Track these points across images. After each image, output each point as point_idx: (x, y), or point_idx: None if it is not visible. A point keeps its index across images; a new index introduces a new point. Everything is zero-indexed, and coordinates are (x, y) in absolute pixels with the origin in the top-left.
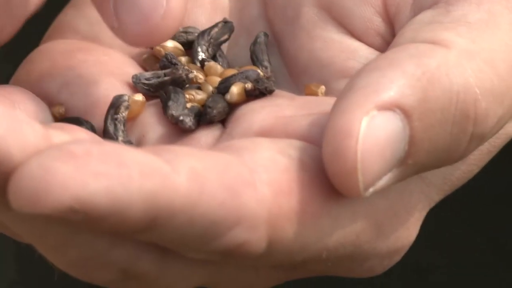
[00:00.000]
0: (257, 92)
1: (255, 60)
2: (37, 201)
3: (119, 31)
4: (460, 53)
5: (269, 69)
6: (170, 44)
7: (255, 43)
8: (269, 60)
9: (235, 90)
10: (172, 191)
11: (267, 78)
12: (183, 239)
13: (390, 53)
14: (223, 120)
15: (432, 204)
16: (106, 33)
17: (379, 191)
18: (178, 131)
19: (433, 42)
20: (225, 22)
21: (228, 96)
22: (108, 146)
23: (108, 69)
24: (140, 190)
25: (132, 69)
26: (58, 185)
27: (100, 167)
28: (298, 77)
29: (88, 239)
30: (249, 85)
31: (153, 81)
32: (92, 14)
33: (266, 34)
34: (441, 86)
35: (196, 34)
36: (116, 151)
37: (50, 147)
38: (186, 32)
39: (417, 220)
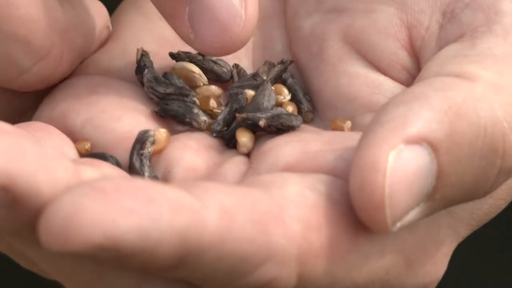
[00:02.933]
0: (273, 129)
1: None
2: (67, 238)
3: (196, 42)
4: (486, 86)
5: (305, 105)
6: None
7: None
8: (306, 96)
9: (244, 141)
10: (202, 228)
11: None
12: (213, 276)
13: (416, 87)
14: (248, 153)
15: (460, 239)
16: (128, 68)
17: (406, 226)
18: (204, 165)
19: (459, 76)
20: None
21: (241, 150)
22: (138, 182)
23: (131, 104)
24: (171, 227)
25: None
26: (89, 222)
27: (131, 203)
28: (323, 111)
29: (117, 276)
30: (262, 122)
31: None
32: (114, 48)
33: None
34: (468, 119)
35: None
36: (146, 188)
37: (80, 184)
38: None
39: (445, 256)
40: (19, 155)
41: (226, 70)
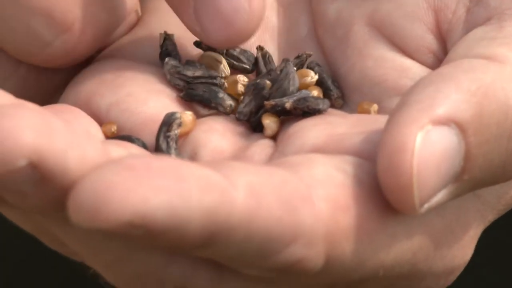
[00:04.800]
0: (300, 111)
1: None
2: (97, 215)
3: (202, 35)
4: None
5: (334, 92)
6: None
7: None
8: (334, 82)
9: (268, 122)
10: (230, 206)
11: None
12: (240, 255)
13: (444, 69)
14: (274, 136)
15: (487, 224)
16: (153, 52)
17: (434, 207)
18: (230, 148)
19: (487, 58)
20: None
21: (266, 133)
22: (167, 160)
23: (157, 87)
24: (200, 205)
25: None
26: (118, 199)
27: (160, 181)
28: (350, 95)
29: (144, 255)
30: (289, 104)
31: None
32: (140, 33)
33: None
34: (496, 101)
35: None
36: (176, 165)
37: (109, 162)
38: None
39: (472, 239)
40: (48, 132)
41: (247, 66)
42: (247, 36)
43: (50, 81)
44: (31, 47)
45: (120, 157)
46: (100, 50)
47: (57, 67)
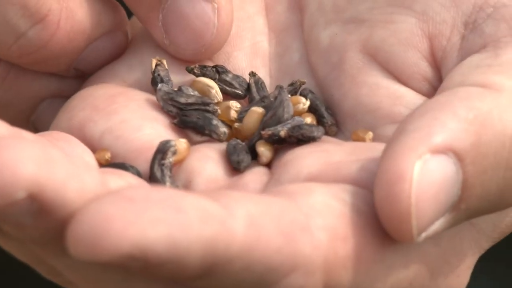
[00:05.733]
0: (294, 139)
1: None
2: (96, 247)
3: (170, 48)
4: (511, 96)
5: (327, 119)
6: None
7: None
8: (328, 110)
9: (263, 150)
10: (230, 237)
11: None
12: (239, 285)
13: (440, 97)
14: (268, 164)
15: (482, 252)
16: (145, 78)
17: (431, 236)
18: (225, 176)
19: (484, 86)
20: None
21: (260, 160)
22: (166, 191)
23: (150, 114)
24: (199, 236)
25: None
26: (117, 231)
27: (159, 213)
28: (344, 123)
29: (144, 285)
30: (283, 132)
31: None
32: (132, 58)
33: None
34: (494, 130)
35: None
36: (174, 197)
37: (108, 193)
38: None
39: (467, 268)
40: (47, 163)
41: (239, 92)
42: (215, 50)
43: (28, 85)
44: (5, 38)
45: (119, 188)
46: (90, 74)
47: (32, 66)
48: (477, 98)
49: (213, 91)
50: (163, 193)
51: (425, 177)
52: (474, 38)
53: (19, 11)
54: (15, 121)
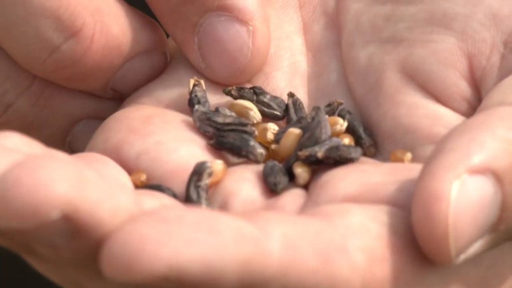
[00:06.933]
0: (332, 161)
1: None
2: (131, 268)
3: (207, 71)
4: None
5: (366, 140)
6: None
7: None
8: (366, 131)
9: (300, 171)
10: (265, 258)
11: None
12: None
13: (479, 116)
14: (306, 186)
15: None
16: (181, 98)
17: (470, 258)
18: (261, 197)
19: None
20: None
21: (297, 182)
22: (200, 212)
23: (186, 135)
24: (234, 257)
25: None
26: (152, 252)
27: (194, 233)
28: (382, 143)
29: None
30: (320, 153)
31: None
32: (169, 79)
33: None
34: None
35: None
36: (209, 217)
37: (142, 214)
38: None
39: None
40: (82, 183)
41: (278, 113)
42: (251, 73)
43: (63, 104)
44: (40, 52)
45: (153, 209)
46: (127, 95)
47: (67, 83)
48: None
49: (252, 113)
50: (197, 213)
51: (463, 197)
52: None
53: (52, 24)
54: (50, 142)
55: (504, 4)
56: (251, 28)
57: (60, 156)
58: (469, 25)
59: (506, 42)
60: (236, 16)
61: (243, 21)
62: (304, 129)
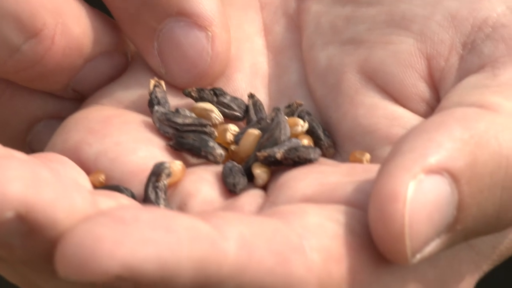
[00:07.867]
0: (290, 162)
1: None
2: (85, 268)
3: (167, 76)
4: (508, 117)
5: (325, 141)
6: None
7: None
8: (325, 131)
9: (259, 172)
10: (221, 258)
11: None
12: None
13: (436, 117)
14: (264, 186)
15: (481, 274)
16: (141, 99)
17: (427, 258)
18: (220, 198)
19: (481, 106)
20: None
21: (256, 182)
22: (156, 211)
23: (146, 135)
24: (190, 256)
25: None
26: (107, 252)
27: (149, 233)
28: (341, 144)
29: None
30: (279, 154)
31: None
32: (129, 80)
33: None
34: (489, 150)
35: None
36: (164, 217)
37: (97, 213)
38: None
39: None
40: (37, 183)
41: (238, 114)
42: (211, 78)
43: (24, 104)
44: (0, 53)
45: (109, 208)
46: (87, 95)
47: (29, 83)
48: (473, 119)
49: (214, 115)
50: (153, 213)
51: (419, 197)
52: (473, 59)
53: (12, 24)
54: (11, 142)
55: (463, 5)
56: (210, 33)
57: (16, 155)
58: (428, 26)
59: (465, 44)
60: (195, 22)
61: (202, 27)
62: (264, 130)
